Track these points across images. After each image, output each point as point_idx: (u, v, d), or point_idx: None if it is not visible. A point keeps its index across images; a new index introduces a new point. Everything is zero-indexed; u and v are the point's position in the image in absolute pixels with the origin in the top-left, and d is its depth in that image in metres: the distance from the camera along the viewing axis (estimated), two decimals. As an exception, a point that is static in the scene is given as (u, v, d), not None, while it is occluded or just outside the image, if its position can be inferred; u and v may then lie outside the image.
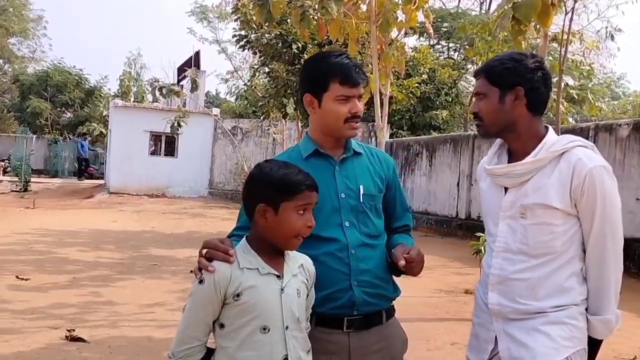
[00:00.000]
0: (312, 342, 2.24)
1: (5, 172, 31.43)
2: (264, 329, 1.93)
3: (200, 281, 1.92)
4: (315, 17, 9.58)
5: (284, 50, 14.02)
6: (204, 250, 1.99)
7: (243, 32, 14.58)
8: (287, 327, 1.96)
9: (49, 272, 8.80)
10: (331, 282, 2.26)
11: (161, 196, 23.86)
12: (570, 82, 20.13)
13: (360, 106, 2.35)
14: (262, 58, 15.09)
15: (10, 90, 44.49)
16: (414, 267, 2.26)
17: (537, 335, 2.16)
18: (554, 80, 9.44)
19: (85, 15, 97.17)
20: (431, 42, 26.06)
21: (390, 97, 13.95)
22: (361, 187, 2.37)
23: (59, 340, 5.49)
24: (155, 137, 24.82)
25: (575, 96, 10.18)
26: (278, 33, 13.83)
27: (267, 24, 10.21)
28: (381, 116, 10.41)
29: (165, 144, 24.95)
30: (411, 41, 27.25)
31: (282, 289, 1.97)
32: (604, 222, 2.16)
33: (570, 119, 26.45)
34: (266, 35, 14.13)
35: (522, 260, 2.22)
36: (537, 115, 2.28)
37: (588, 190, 2.14)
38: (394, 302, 2.48)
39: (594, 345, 2.24)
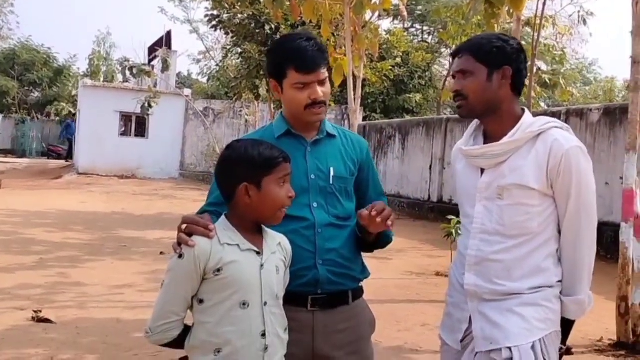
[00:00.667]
0: None
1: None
2: (244, 304, 1.92)
3: (180, 256, 1.91)
4: (288, -2, 9.48)
5: (257, 30, 13.89)
6: (184, 226, 1.97)
7: (215, 12, 14.40)
8: (265, 303, 1.96)
9: (15, 253, 8.65)
10: (296, 260, 2.25)
11: (131, 177, 23.60)
12: (543, 67, 20.34)
13: (320, 92, 2.28)
14: (234, 38, 14.94)
15: (-24, 69, 43.49)
16: (375, 218, 2.18)
17: (511, 316, 2.17)
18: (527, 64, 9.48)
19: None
20: (405, 25, 26.06)
21: (364, 80, 13.94)
22: (331, 169, 2.35)
23: (25, 322, 5.40)
24: (126, 118, 24.50)
25: (548, 81, 10.26)
26: (251, 13, 13.68)
27: (239, 3, 10.10)
28: (354, 99, 10.37)
29: (136, 125, 24.64)
30: (385, 24, 27.22)
31: (262, 265, 1.97)
32: (579, 203, 2.16)
33: (543, 104, 26.76)
34: (239, 15, 13.97)
35: (499, 241, 2.21)
36: (517, 96, 2.29)
37: (564, 170, 2.14)
38: (362, 283, 2.47)
39: (566, 326, 2.25)
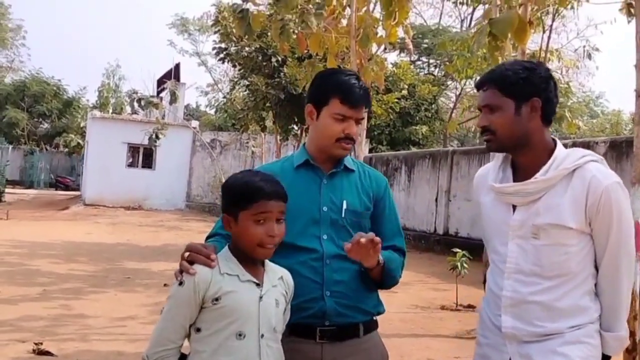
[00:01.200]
0: (284, 352, 2.21)
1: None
2: (240, 334, 1.92)
3: (180, 283, 1.92)
4: (295, 31, 9.57)
5: (264, 63, 14.04)
6: (187, 254, 1.98)
7: (223, 45, 14.57)
8: (262, 335, 1.95)
9: (19, 284, 8.62)
10: (303, 291, 2.23)
11: (138, 208, 23.66)
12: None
13: (355, 129, 2.32)
14: (241, 71, 15.08)
15: (-13, 100, 43.97)
16: (360, 250, 2.14)
17: (555, 357, 2.10)
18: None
19: (65, 26, 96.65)
20: (412, 58, 26.23)
21: (370, 112, 14.01)
22: (344, 202, 2.34)
23: (26, 354, 5.36)
24: (133, 149, 24.67)
25: (553, 113, 10.25)
26: (258, 46, 13.83)
27: (246, 37, 10.21)
28: (360, 131, 10.41)
29: (143, 156, 24.79)
30: (392, 57, 27.44)
31: (260, 297, 1.97)
32: (619, 240, 2.10)
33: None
34: (246, 48, 14.13)
35: (536, 282, 2.14)
36: (548, 127, 2.20)
37: (604, 208, 2.06)
38: (376, 317, 2.43)
39: None
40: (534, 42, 10.07)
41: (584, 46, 10.17)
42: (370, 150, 21.97)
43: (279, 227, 2.00)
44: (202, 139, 22.61)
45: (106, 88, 38.37)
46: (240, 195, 1.99)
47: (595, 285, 2.18)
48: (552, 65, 10.12)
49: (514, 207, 2.20)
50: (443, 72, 26.12)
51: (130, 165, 24.84)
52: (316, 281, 2.26)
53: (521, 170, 2.21)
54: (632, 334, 5.52)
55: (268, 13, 10.13)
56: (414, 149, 21.14)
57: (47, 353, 5.38)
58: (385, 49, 11.03)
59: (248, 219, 1.97)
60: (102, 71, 52.65)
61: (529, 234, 2.14)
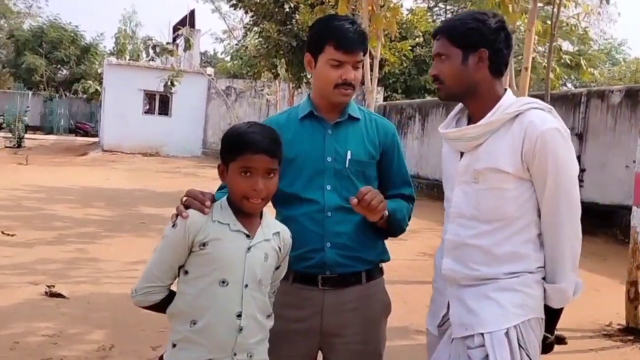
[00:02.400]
0: (288, 296, 2.30)
1: (1, 129, 31.39)
2: (223, 282, 1.95)
3: (173, 225, 1.97)
4: (307, -24, 9.47)
5: (276, 9, 13.86)
6: (184, 198, 2.03)
7: (236, -9, 14.39)
8: (246, 285, 1.97)
9: (36, 229, 8.83)
10: (305, 242, 2.28)
11: (155, 155, 23.85)
12: (569, 47, 20.00)
13: (352, 74, 2.31)
14: (254, 17, 14.91)
15: (6, 46, 44.08)
16: (365, 201, 2.17)
17: (486, 301, 2.10)
18: (547, 44, 9.35)
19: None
20: (429, 4, 25.73)
21: (383, 60, 13.85)
22: (349, 152, 2.35)
23: (38, 296, 5.54)
24: (150, 96, 24.72)
25: (568, 62, 10.08)
26: (271, -8, 13.66)
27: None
28: (371, 79, 10.34)
29: (160, 103, 24.86)
30: (408, 3, 26.93)
31: (248, 248, 1.99)
32: (557, 187, 2.07)
33: (570, 84, 26.35)
34: (258, -6, 13.95)
35: (475, 225, 2.14)
36: (498, 77, 2.19)
37: (539, 153, 2.04)
38: (381, 265, 2.47)
39: (553, 314, 2.17)
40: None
41: (603, -9, 9.89)
42: (385, 99, 21.81)
43: (265, 182, 1.98)
44: (217, 87, 22.58)
45: (122, 34, 38.20)
46: (230, 147, 2.00)
47: (540, 235, 2.15)
48: (569, 11, 9.91)
49: (462, 154, 2.21)
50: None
51: (147, 112, 24.93)
52: (317, 232, 2.30)
53: (473, 120, 2.21)
54: (635, 284, 5.59)
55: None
56: (429, 97, 20.96)
57: (59, 295, 5.55)
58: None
59: (235, 171, 1.98)
60: (118, 18, 52.38)
61: (471, 178, 2.15)
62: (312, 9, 11.74)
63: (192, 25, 24.55)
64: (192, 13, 26.19)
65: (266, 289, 2.06)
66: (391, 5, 10.72)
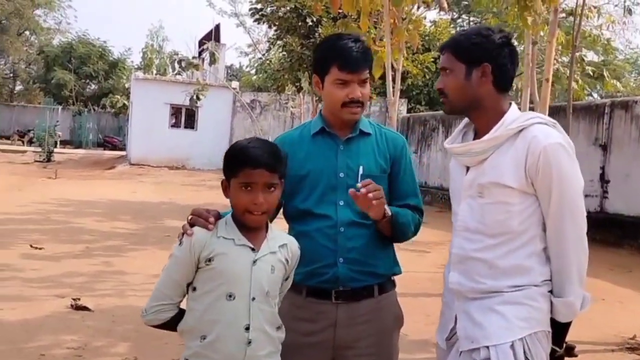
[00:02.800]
0: (301, 310, 2.35)
1: (31, 143, 31.97)
2: (230, 296, 1.99)
3: (180, 243, 2.03)
4: (329, -9, 9.52)
5: (299, 23, 14.00)
6: (190, 217, 2.08)
7: (259, 6, 14.56)
8: (253, 298, 2.01)
9: (63, 242, 9.00)
10: (318, 258, 2.34)
11: (181, 168, 24.11)
12: (594, 57, 19.82)
13: (359, 92, 2.35)
14: (277, 32, 15.08)
15: (36, 62, 44.96)
16: (366, 192, 2.20)
17: (491, 314, 2.12)
18: (569, 55, 9.30)
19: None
20: (449, 16, 25.70)
21: (406, 72, 13.90)
22: (361, 168, 2.37)
23: (64, 309, 5.64)
24: (176, 110, 25.02)
25: (591, 72, 10.02)
26: (293, 6, 13.79)
27: (280, -3, 10.22)
28: (393, 91, 10.36)
29: (186, 117, 25.15)
30: (431, 15, 26.94)
31: (254, 261, 2.03)
32: (561, 201, 2.09)
33: (596, 95, 26.09)
34: (281, 8, 14.10)
35: (480, 239, 2.17)
36: (502, 92, 2.23)
37: (543, 168, 2.07)
38: (394, 277, 2.51)
39: (561, 328, 2.18)
40: (572, -1, 9.80)
41: (624, 1, 9.85)
42: (409, 110, 21.80)
43: (266, 196, 2.02)
44: (242, 100, 22.78)
45: (150, 49, 38.73)
46: (231, 162, 2.05)
47: (546, 249, 2.16)
48: (592, 22, 9.87)
49: (468, 169, 2.25)
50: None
51: (174, 125, 25.23)
52: (330, 248, 2.34)
53: (479, 134, 2.24)
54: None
55: (302, -27, 10.08)
56: (453, 109, 20.80)
57: (84, 308, 5.65)
58: (418, 7, 10.85)
59: (236, 186, 2.03)
60: (145, 33, 53.26)
61: (476, 193, 2.19)
62: (334, 23, 11.83)
63: (218, 39, 24.84)
64: (217, 27, 26.52)
65: (274, 301, 2.09)
66: (413, 18, 10.77)
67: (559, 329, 2.18)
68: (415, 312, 5.81)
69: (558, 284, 2.15)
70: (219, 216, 2.09)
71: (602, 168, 11.56)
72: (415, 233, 2.51)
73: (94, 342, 4.86)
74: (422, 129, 17.89)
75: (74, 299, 5.80)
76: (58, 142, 33.51)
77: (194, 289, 2.04)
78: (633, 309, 6.56)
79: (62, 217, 11.45)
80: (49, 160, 25.70)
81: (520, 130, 2.13)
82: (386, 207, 2.31)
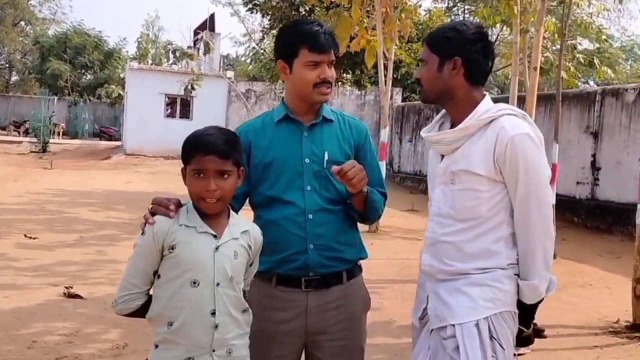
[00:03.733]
0: (272, 300, 2.38)
1: (27, 134, 31.96)
2: (194, 282, 2.04)
3: (143, 232, 2.07)
4: (321, -20, 9.57)
5: (292, 13, 14.01)
6: (151, 206, 2.12)
7: (252, -5, 14.56)
8: (218, 284, 2.05)
9: (57, 231, 9.08)
10: (288, 245, 2.37)
11: (177, 158, 23.98)
12: (589, 45, 19.82)
13: (329, 72, 2.39)
14: (271, 21, 15.08)
15: (32, 52, 44.84)
16: (348, 176, 2.28)
17: (458, 295, 2.22)
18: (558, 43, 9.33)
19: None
20: (448, 5, 25.68)
21: (400, 61, 13.94)
22: (326, 153, 2.43)
23: (57, 297, 5.72)
24: (171, 100, 25.02)
25: (582, 60, 10.07)
26: (286, -4, 13.80)
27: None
28: (385, 81, 10.42)
29: (181, 107, 25.15)
30: (426, 3, 26.87)
31: (216, 248, 2.07)
32: (527, 189, 2.18)
33: (591, 83, 26.10)
34: (274, -2, 14.12)
35: (450, 224, 2.27)
36: (476, 84, 2.31)
37: (510, 157, 2.16)
38: (359, 262, 2.56)
39: (528, 309, 2.28)
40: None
41: (617, -13, 9.87)
42: (404, 100, 21.82)
43: (219, 183, 2.06)
44: (237, 90, 22.78)
45: (145, 39, 38.70)
46: (185, 149, 2.09)
47: (514, 234, 2.26)
48: (581, 11, 9.91)
49: (443, 157, 2.35)
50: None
51: (169, 115, 25.22)
52: (300, 235, 2.37)
53: (454, 124, 2.33)
54: None
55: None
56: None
57: (77, 296, 5.73)
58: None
59: (190, 173, 2.08)
60: (141, 22, 53.04)
61: (449, 179, 2.29)
62: (327, 12, 11.85)
63: (212, 29, 24.82)
64: (212, 17, 26.49)
65: (239, 286, 2.13)
66: (406, 6, 10.80)
67: (525, 311, 2.28)
68: (405, 298, 5.89)
69: (524, 268, 2.24)
70: (179, 204, 2.12)
71: (593, 155, 11.64)
72: (381, 214, 2.59)
73: (86, 329, 4.93)
74: (416, 118, 17.95)
75: (66, 287, 5.88)
76: (61, 133, 33.55)
77: (159, 276, 2.08)
78: (620, 295, 6.63)
79: (57, 207, 11.52)
80: (44, 150, 25.72)
81: (491, 121, 2.23)
82: None
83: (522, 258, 2.24)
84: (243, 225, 2.18)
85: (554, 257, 8.02)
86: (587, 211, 11.50)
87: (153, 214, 2.08)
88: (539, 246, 2.22)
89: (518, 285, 2.25)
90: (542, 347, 4.93)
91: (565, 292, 6.55)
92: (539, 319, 5.20)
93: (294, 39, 2.41)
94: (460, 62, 2.26)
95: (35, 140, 26.92)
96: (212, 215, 2.10)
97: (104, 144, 32.27)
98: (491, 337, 2.17)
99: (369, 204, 2.45)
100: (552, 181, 8.45)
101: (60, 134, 33.58)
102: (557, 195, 8.88)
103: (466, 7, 27.34)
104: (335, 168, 2.27)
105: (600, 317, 5.89)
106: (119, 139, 32.33)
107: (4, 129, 37.80)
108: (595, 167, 11.59)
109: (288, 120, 2.47)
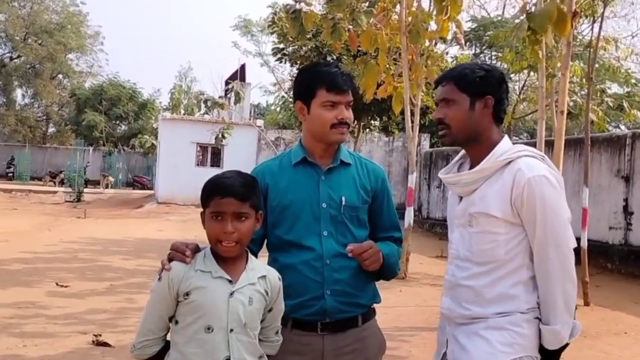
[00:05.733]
0: (287, 343, 2.36)
1: (62, 184, 32.59)
2: (208, 328, 2.04)
3: (159, 278, 2.09)
4: (347, 29, 9.73)
5: (320, 61, 14.25)
6: (169, 252, 2.14)
7: (281, 45, 14.85)
8: (231, 330, 2.06)
9: (89, 280, 9.16)
10: (305, 290, 2.37)
11: (207, 206, 24.28)
12: (619, 90, 19.70)
13: (347, 113, 2.42)
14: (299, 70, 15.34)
15: (68, 104, 46.04)
16: (363, 257, 2.33)
17: (476, 339, 2.19)
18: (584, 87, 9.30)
19: (139, 30, 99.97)
20: (469, 52, 25.85)
21: (427, 107, 13.99)
22: (343, 198, 2.43)
23: (86, 345, 5.74)
24: (202, 148, 25.40)
25: (611, 104, 10.01)
26: (313, 45, 14.05)
27: (300, 36, 10.44)
28: (412, 127, 10.46)
29: (212, 155, 25.49)
30: (453, 50, 27.04)
31: (231, 293, 2.07)
32: (545, 231, 2.15)
33: (622, 127, 25.80)
34: (302, 47, 14.37)
35: (468, 267, 2.25)
36: (498, 124, 2.33)
37: (528, 199, 2.14)
38: (374, 306, 2.55)
39: (552, 355, 2.22)
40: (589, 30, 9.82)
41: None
42: (432, 145, 21.83)
43: (236, 225, 2.06)
44: (266, 138, 23.05)
45: (178, 90, 39.49)
46: (204, 193, 2.12)
47: (534, 277, 2.22)
48: (609, 55, 9.90)
49: (462, 198, 2.33)
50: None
51: (200, 164, 25.58)
52: (317, 280, 2.37)
53: (473, 165, 2.32)
54: None
55: (321, 13, 10.30)
56: (477, 143, 20.77)
57: (105, 344, 5.74)
58: (436, 43, 10.99)
59: (208, 216, 2.10)
60: (174, 74, 54.35)
61: (467, 222, 2.27)
62: (354, 60, 12.03)
63: (243, 79, 25.27)
64: (242, 67, 27.02)
65: (254, 332, 2.12)
66: (432, 54, 10.91)
67: (549, 356, 2.22)
68: (433, 345, 5.76)
69: (545, 312, 2.20)
70: (197, 249, 2.14)
71: (625, 200, 11.45)
72: (398, 272, 2.59)
73: (112, 377, 4.94)
74: (444, 163, 17.86)
75: (95, 335, 5.90)
76: (109, 185, 34.00)
77: (176, 322, 2.09)
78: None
79: (89, 255, 11.64)
80: (78, 200, 26.17)
81: (508, 163, 2.21)
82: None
83: (542, 302, 2.20)
84: (261, 270, 2.19)
85: (588, 304, 7.89)
86: (620, 257, 11.25)
87: (170, 259, 2.10)
88: (559, 290, 2.17)
89: (540, 330, 2.19)
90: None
91: (599, 341, 6.38)
92: (572, 367, 5.09)
93: (312, 80, 2.44)
94: (492, 101, 2.27)
95: (70, 190, 27.42)
96: (229, 259, 2.11)
97: (137, 193, 32.72)
98: None
99: (386, 267, 2.46)
100: (583, 225, 8.36)
101: (109, 185, 34.15)
102: (589, 240, 8.74)
103: (493, 53, 27.50)
104: (349, 248, 2.31)
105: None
106: (151, 188, 32.75)
107: (40, 179, 38.62)
108: (627, 212, 11.38)
109: (306, 163, 2.48)
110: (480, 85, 2.26)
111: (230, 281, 2.09)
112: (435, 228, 18.67)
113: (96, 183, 35.80)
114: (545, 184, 2.17)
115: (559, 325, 2.17)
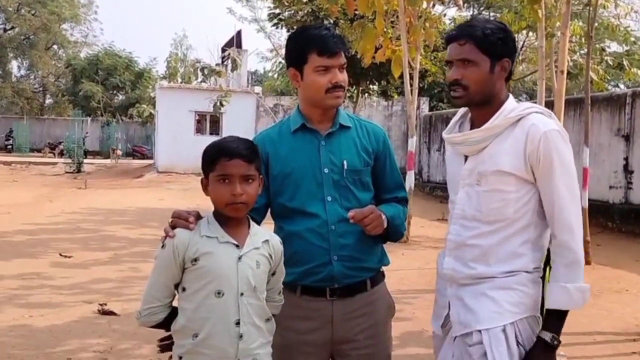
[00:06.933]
0: (297, 309, 2.38)
1: (62, 155, 32.60)
2: (219, 293, 2.04)
3: (163, 246, 2.07)
4: (343, -8, 9.60)
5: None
6: (171, 219, 2.12)
7: (277, 10, 14.68)
8: (242, 294, 2.06)
9: (92, 250, 9.21)
10: (312, 257, 2.36)
11: (207, 174, 24.32)
12: (618, 48, 19.58)
13: (341, 76, 2.37)
14: (296, 35, 15.23)
15: (64, 75, 45.78)
16: (364, 223, 2.31)
17: (483, 299, 2.16)
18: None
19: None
20: (466, 12, 25.61)
21: (426, 70, 13.94)
22: (345, 162, 2.41)
23: (91, 314, 5.80)
24: (200, 117, 25.34)
25: (611, 63, 9.94)
26: (310, 10, 13.87)
27: (296, 1, 10.33)
28: (411, 90, 10.41)
29: (210, 123, 25.44)
30: (451, 12, 26.76)
31: (239, 257, 2.07)
32: (562, 183, 2.14)
33: (622, 86, 25.70)
34: (299, 12, 14.20)
35: (476, 226, 2.22)
36: (507, 84, 2.29)
37: (544, 154, 2.12)
38: (382, 269, 2.55)
39: (558, 315, 2.15)
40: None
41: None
42: (432, 109, 21.73)
43: (244, 187, 2.05)
44: (265, 105, 22.95)
45: (174, 58, 39.15)
46: (207, 158, 2.09)
47: (540, 236, 2.20)
48: (608, 13, 9.80)
49: (467, 158, 2.28)
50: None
51: (198, 132, 25.53)
52: (323, 247, 2.36)
53: (476, 124, 2.28)
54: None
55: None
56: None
57: (111, 313, 5.80)
58: (433, 5, 10.87)
59: (214, 180, 2.07)
60: (170, 42, 53.82)
61: (474, 181, 2.23)
62: (351, 24, 11.91)
63: (239, 45, 25.07)
64: (238, 34, 26.75)
65: (262, 295, 2.13)
66: (430, 16, 10.80)
67: (558, 317, 2.16)
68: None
69: (569, 270, 2.14)
70: (199, 216, 2.12)
71: (626, 159, 11.45)
72: (404, 233, 2.57)
73: (120, 345, 4.99)
74: (444, 127, 17.77)
75: (100, 304, 5.96)
76: (117, 158, 33.79)
77: (184, 289, 2.08)
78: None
79: (91, 225, 11.70)
80: (79, 170, 26.20)
81: (519, 120, 2.18)
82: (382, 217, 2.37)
83: (566, 260, 2.14)
84: (263, 234, 2.19)
85: (589, 263, 7.92)
86: (621, 215, 11.29)
87: (173, 227, 2.08)
88: (580, 243, 2.16)
89: (543, 291, 2.18)
90: (580, 355, 4.86)
91: (601, 299, 6.44)
92: (576, 326, 5.15)
93: (302, 46, 2.38)
94: (509, 64, 2.23)
95: (69, 161, 27.40)
96: (233, 225, 2.11)
97: (137, 162, 32.71)
98: (518, 343, 2.13)
99: (392, 229, 2.44)
100: (583, 186, 8.37)
101: (117, 158, 34.03)
102: (589, 200, 8.77)
103: (491, 13, 27.24)
104: (350, 214, 2.29)
105: (638, 323, 5.77)
106: (151, 158, 32.74)
107: (39, 151, 38.62)
108: (628, 171, 11.39)
109: (305, 129, 2.45)
110: (502, 48, 2.20)
111: (237, 246, 2.08)
112: (435, 191, 18.71)
113: (95, 154, 35.79)
114: (559, 138, 2.15)
115: (578, 282, 2.13)
